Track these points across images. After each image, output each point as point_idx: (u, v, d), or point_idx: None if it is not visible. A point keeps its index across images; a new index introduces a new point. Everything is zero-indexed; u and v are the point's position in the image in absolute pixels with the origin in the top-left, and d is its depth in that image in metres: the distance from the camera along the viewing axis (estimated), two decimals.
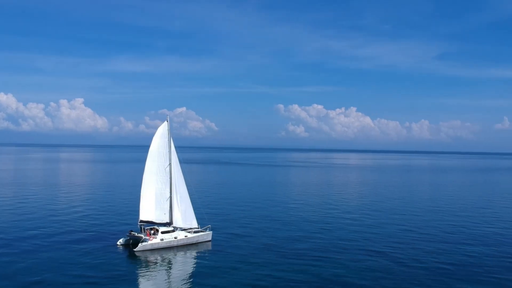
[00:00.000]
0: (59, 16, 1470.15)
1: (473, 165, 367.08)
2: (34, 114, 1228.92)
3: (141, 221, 58.48)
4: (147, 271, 47.70)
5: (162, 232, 57.20)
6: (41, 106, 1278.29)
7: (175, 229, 59.08)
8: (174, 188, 59.54)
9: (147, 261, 51.05)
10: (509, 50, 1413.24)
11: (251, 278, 44.50)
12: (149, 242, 55.11)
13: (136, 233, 57.67)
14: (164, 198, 59.12)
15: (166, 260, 52.31)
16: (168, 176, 59.43)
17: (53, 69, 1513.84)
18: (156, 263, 50.85)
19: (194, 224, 60.57)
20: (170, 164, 59.51)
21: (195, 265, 50.48)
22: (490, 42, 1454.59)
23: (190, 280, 44.78)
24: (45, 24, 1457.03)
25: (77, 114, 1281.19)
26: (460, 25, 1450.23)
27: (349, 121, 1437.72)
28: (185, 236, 58.40)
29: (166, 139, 59.98)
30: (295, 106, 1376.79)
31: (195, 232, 59.88)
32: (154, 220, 58.68)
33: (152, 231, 57.27)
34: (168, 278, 46.42)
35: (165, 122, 60.47)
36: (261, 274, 45.89)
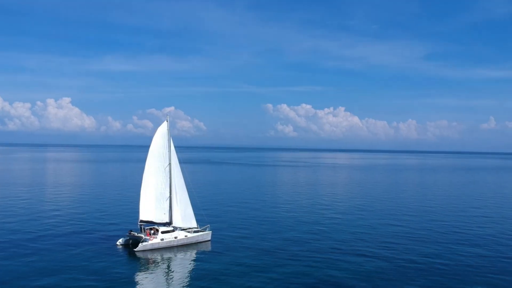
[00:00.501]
0: (46, 15, 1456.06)
1: (460, 164, 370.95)
2: (21, 114, 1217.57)
3: (141, 221, 58.45)
4: (148, 272, 47.73)
5: (162, 232, 57.23)
6: (28, 105, 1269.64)
7: (174, 229, 59.14)
8: (174, 188, 59.60)
9: (147, 261, 51.09)
10: (495, 51, 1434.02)
11: (250, 278, 44.67)
12: (150, 242, 55.12)
13: (136, 233, 57.65)
14: (164, 198, 59.15)
15: (167, 260, 52.37)
16: (168, 176, 59.47)
17: (39, 68, 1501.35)
18: (157, 263, 50.91)
19: (193, 223, 60.68)
20: (169, 164, 59.56)
21: (195, 265, 50.52)
22: (477, 42, 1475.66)
23: (191, 280, 44.86)
24: (32, 22, 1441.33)
25: (64, 114, 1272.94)
26: (447, 26, 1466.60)
27: (338, 121, 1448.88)
28: (185, 236, 58.51)
29: (166, 139, 60.02)
30: (284, 106, 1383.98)
31: (194, 232, 60.01)
32: (154, 220, 58.65)
33: (152, 231, 57.29)
34: (169, 278, 46.46)
35: (165, 122, 60.51)
36: (260, 274, 46.05)
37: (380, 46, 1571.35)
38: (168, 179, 59.51)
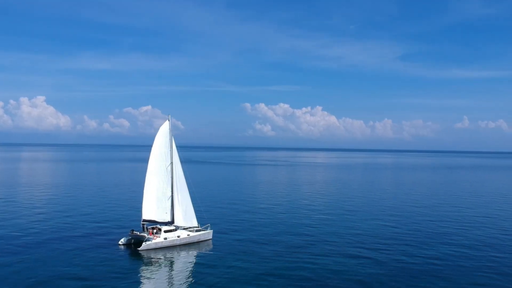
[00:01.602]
0: (20, 12, 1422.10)
1: (436, 163, 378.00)
2: None
3: (144, 220, 58.52)
4: (153, 271, 47.81)
5: (165, 231, 57.41)
6: (0, 103, 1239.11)
7: (176, 228, 59.36)
8: (175, 187, 59.81)
9: (151, 260, 51.18)
10: (470, 51, 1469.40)
11: (249, 278, 45.11)
12: (153, 241, 55.26)
13: (138, 232, 57.67)
14: (165, 197, 59.29)
15: (171, 259, 52.56)
16: (170, 175, 59.64)
17: (12, 66, 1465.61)
18: (161, 262, 51.04)
19: (194, 223, 60.95)
20: (171, 163, 59.73)
21: (199, 264, 50.69)
22: (452, 43, 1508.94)
23: (195, 279, 45.09)
24: (5, 19, 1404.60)
25: (38, 113, 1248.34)
26: (423, 27, 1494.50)
27: (315, 120, 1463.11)
28: (188, 235, 58.81)
29: (168, 139, 60.13)
30: (262, 105, 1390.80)
31: (196, 231, 60.33)
32: (156, 219, 58.77)
33: (155, 230, 57.43)
34: (175, 278, 46.62)
35: (167, 121, 60.60)
36: (260, 273, 46.57)
37: (358, 46, 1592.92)
38: (170, 179, 59.66)
